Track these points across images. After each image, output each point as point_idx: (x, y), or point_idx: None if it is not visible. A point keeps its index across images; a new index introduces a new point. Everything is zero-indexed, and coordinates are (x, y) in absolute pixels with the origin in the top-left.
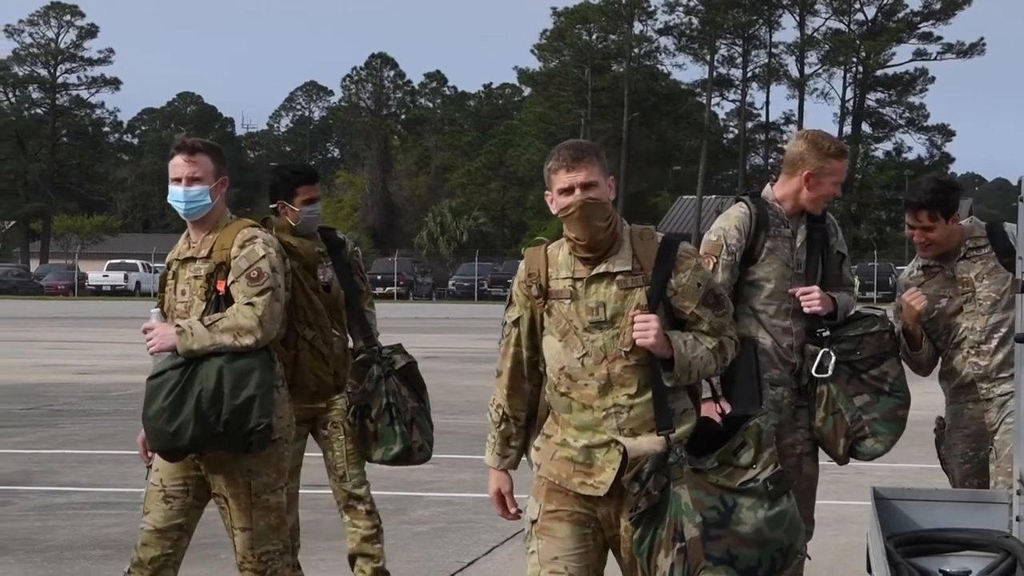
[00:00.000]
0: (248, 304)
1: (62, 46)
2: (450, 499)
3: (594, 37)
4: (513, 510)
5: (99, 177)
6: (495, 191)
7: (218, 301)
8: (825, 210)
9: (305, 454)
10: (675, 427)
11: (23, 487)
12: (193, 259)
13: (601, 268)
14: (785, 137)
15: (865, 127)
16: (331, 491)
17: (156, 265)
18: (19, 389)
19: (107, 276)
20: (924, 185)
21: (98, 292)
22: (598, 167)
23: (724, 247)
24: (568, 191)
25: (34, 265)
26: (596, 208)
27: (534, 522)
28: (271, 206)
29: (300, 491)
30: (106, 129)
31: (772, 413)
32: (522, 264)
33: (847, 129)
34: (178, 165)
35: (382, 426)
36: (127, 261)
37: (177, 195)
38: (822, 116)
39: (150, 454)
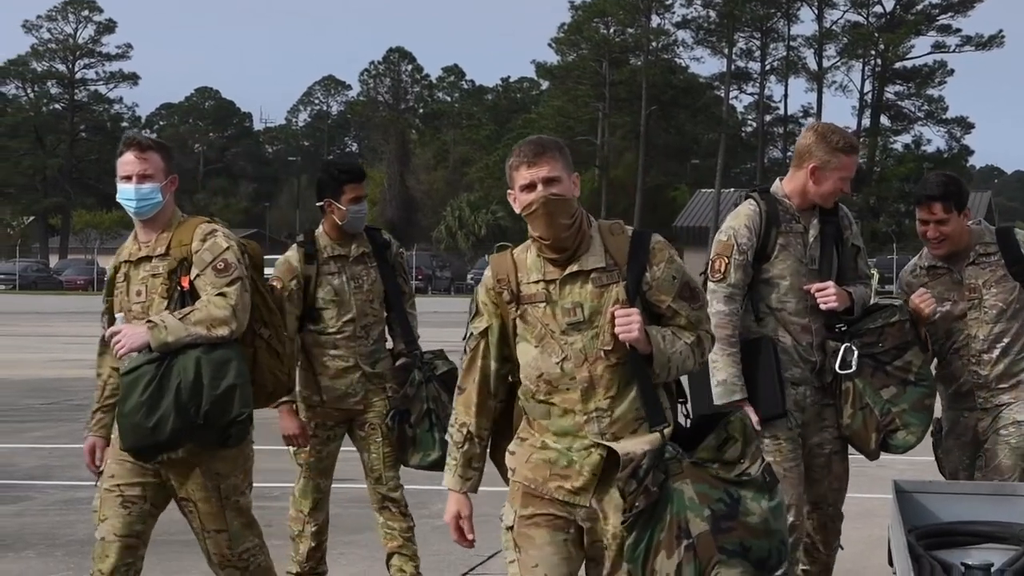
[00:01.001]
0: (220, 295)
1: (80, 41)
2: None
3: (612, 30)
4: (471, 536)
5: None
6: None
7: (183, 297)
8: (838, 203)
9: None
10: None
11: (44, 481)
12: (148, 258)
13: (574, 267)
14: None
15: (884, 120)
16: (366, 489)
17: None
18: (39, 384)
19: None
20: (935, 179)
21: None
22: (561, 162)
23: (735, 247)
24: (530, 187)
25: (53, 260)
26: (559, 204)
27: (510, 529)
28: (317, 204)
29: None
30: (124, 124)
31: (796, 413)
32: (487, 272)
33: (866, 122)
34: (128, 162)
35: (421, 432)
36: None
37: (128, 193)
38: (841, 109)
39: (99, 462)
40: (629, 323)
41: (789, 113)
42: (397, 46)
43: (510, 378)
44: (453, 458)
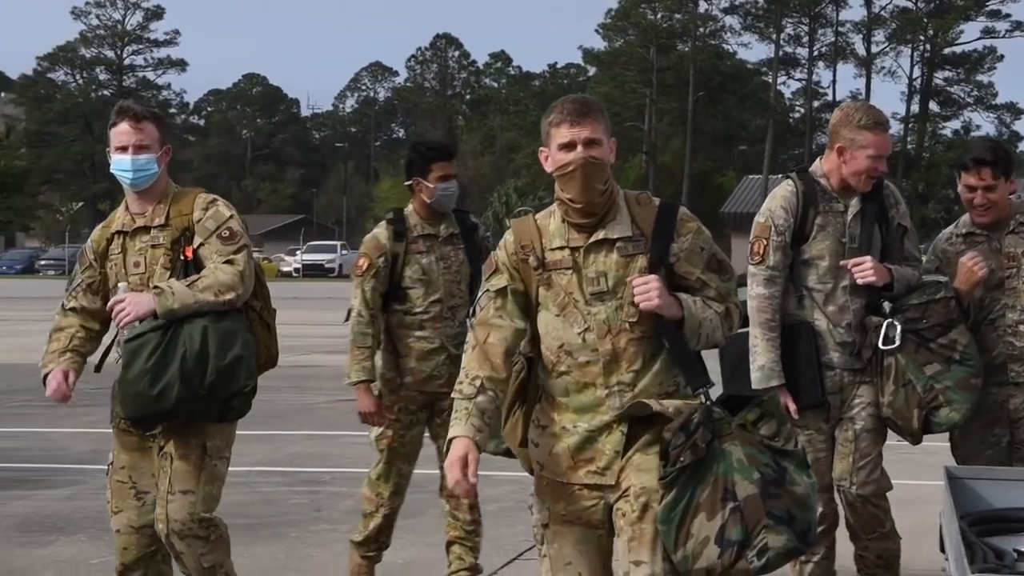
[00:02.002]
0: (227, 262)
1: (128, 28)
2: (518, 478)
3: (659, 16)
4: (474, 480)
5: None
6: None
7: (186, 267)
8: (883, 180)
9: (368, 432)
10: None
11: (95, 466)
12: (146, 229)
13: (599, 235)
14: None
15: (933, 106)
16: (425, 473)
17: None
18: (88, 368)
19: None
20: (983, 143)
21: None
22: (602, 125)
23: (773, 228)
24: (569, 147)
25: None
26: (597, 168)
27: (545, 526)
28: (406, 183)
29: (369, 470)
30: (172, 111)
31: (830, 397)
32: (508, 235)
33: (915, 108)
34: (124, 132)
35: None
36: None
37: (123, 164)
38: (889, 95)
39: (72, 386)
40: (647, 290)
41: (837, 99)
42: (444, 32)
43: (524, 348)
44: (463, 408)
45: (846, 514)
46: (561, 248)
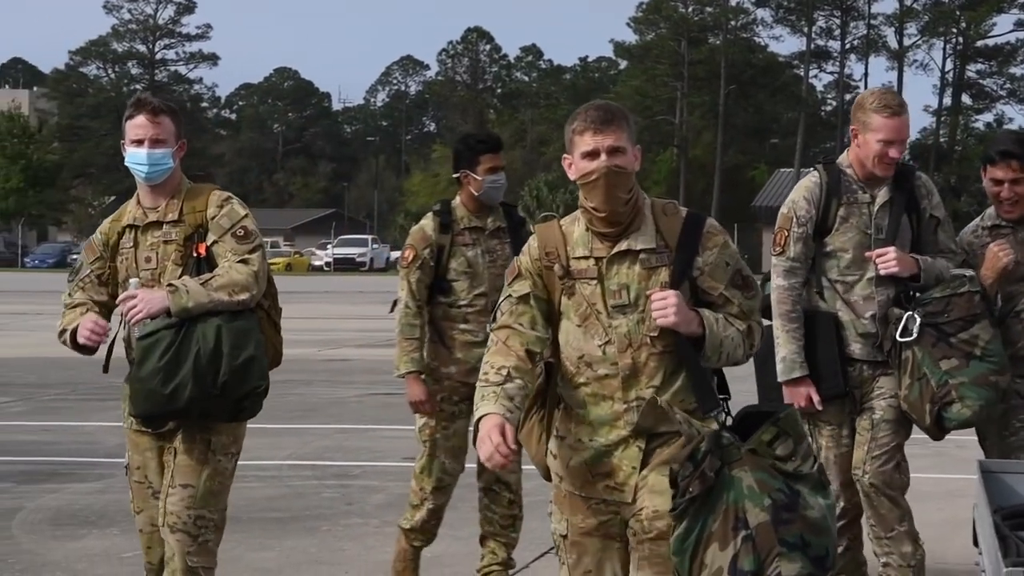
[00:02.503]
0: (242, 261)
1: (160, 22)
2: None
3: (690, 9)
4: (513, 447)
5: (197, 152)
6: None
7: (199, 264)
8: (915, 170)
9: (405, 427)
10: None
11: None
12: (159, 224)
13: (623, 246)
14: None
15: (965, 98)
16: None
17: None
18: (121, 362)
19: None
20: (1009, 135)
21: None
22: (626, 133)
23: (795, 219)
24: (592, 155)
25: None
26: (621, 177)
27: (564, 537)
28: (454, 176)
29: (400, 463)
30: (204, 105)
31: (854, 391)
32: (532, 241)
33: (947, 101)
34: (141, 126)
35: None
36: None
37: (139, 157)
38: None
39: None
40: (665, 306)
41: None
42: (475, 26)
43: (547, 355)
44: (491, 392)
45: (864, 510)
46: (586, 257)
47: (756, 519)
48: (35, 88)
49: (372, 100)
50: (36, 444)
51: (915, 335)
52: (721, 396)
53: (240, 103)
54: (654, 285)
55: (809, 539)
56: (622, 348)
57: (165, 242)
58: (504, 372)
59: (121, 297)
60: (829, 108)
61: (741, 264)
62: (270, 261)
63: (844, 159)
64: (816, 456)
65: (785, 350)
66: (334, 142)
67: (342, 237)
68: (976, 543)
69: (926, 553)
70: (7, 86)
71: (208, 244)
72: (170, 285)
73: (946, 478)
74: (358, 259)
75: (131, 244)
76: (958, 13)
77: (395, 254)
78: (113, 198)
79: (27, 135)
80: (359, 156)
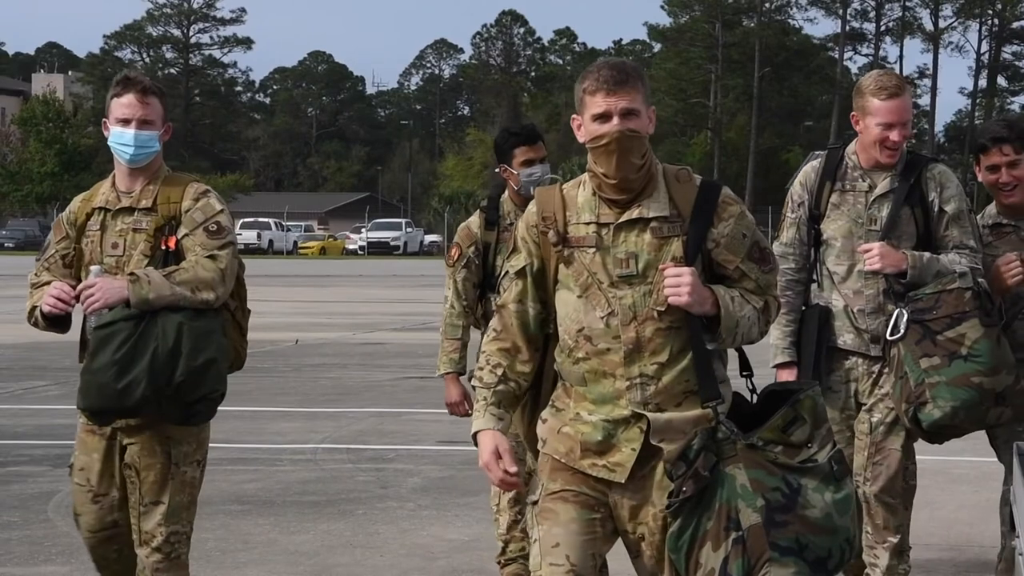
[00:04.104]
0: (209, 257)
1: (195, 6)
2: None
3: None
4: (513, 469)
5: (232, 136)
6: None
7: (166, 257)
8: (928, 161)
9: (439, 410)
10: (723, 397)
11: None
12: (130, 210)
13: (634, 213)
14: (919, 92)
15: (1001, 80)
16: None
17: (289, 224)
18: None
19: (240, 234)
20: (995, 122)
21: None
22: (642, 94)
23: (789, 203)
24: (605, 118)
25: None
26: (634, 141)
27: (536, 503)
28: (495, 170)
29: (434, 447)
30: (238, 88)
31: (849, 384)
32: (531, 206)
33: (982, 83)
34: (129, 105)
35: None
36: (260, 220)
37: (125, 138)
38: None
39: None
40: (679, 283)
41: (905, 74)
42: (509, 9)
43: (548, 327)
44: (483, 398)
45: (864, 512)
46: (588, 224)
47: (748, 520)
48: (70, 72)
49: (406, 84)
50: (71, 428)
51: (901, 332)
52: (744, 373)
53: (274, 87)
54: (666, 256)
55: (807, 541)
56: (626, 321)
57: (135, 230)
58: (499, 372)
59: (81, 286)
60: None
61: (759, 236)
62: (304, 245)
63: (853, 146)
64: (835, 442)
65: (772, 336)
66: (368, 126)
67: (376, 221)
68: (1012, 526)
69: (965, 533)
70: (42, 71)
71: (179, 238)
72: (131, 274)
73: (981, 461)
74: (392, 243)
75: (98, 227)
76: None
77: (429, 238)
78: None
79: (62, 119)
80: (393, 140)
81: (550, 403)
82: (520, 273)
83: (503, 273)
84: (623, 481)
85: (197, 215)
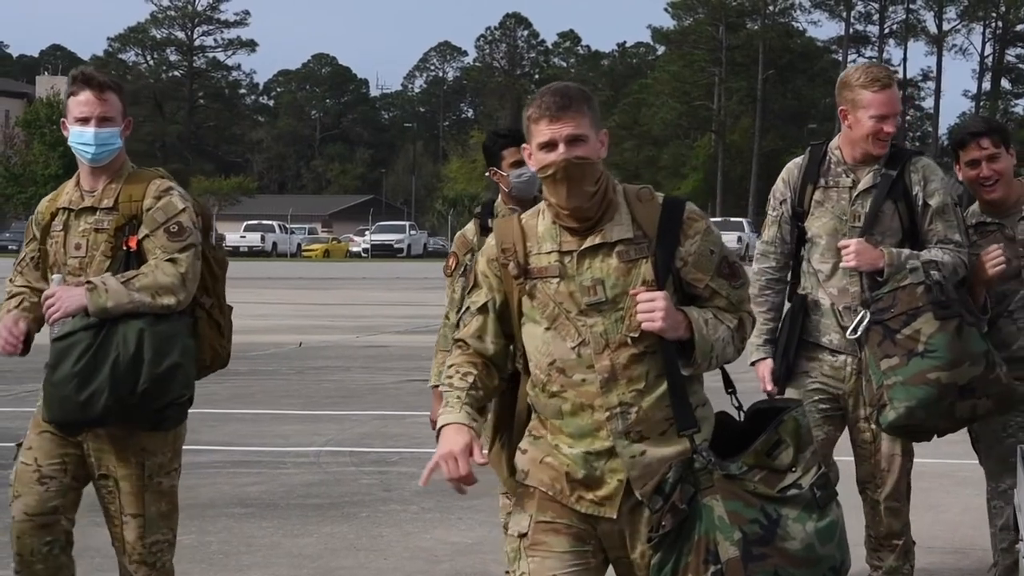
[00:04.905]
0: (170, 260)
1: (199, 8)
2: None
3: None
4: (482, 460)
5: (235, 139)
6: (629, 150)
7: (128, 258)
8: (912, 154)
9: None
10: (700, 426)
11: None
12: (92, 209)
13: (596, 238)
14: (923, 94)
15: (1004, 83)
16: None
17: (292, 226)
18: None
19: (244, 237)
20: (971, 119)
21: (235, 253)
22: (588, 118)
23: (771, 202)
24: (550, 146)
25: None
26: (583, 169)
27: (523, 536)
28: (486, 174)
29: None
30: (242, 91)
31: (835, 383)
32: (490, 239)
33: (986, 85)
34: (87, 103)
35: None
36: (264, 222)
37: (85, 137)
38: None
39: (19, 335)
40: (652, 308)
41: (908, 77)
42: (513, 12)
43: (512, 364)
44: (456, 397)
45: (866, 520)
46: (550, 253)
47: (726, 553)
48: None
49: (410, 86)
50: None
51: (859, 333)
52: (729, 390)
53: (278, 89)
54: (636, 280)
55: (786, 574)
56: (599, 349)
57: (96, 230)
58: (470, 379)
59: (44, 295)
60: None
61: (727, 251)
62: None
63: (836, 141)
64: (820, 465)
65: None
66: (372, 128)
67: (380, 223)
68: (1017, 528)
69: (970, 536)
70: (46, 73)
71: (140, 238)
72: (88, 282)
73: None
74: (396, 245)
75: (62, 228)
76: None
77: (433, 240)
78: None
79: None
80: (397, 142)
81: (527, 432)
82: (482, 309)
83: (464, 308)
84: (614, 516)
85: (158, 215)
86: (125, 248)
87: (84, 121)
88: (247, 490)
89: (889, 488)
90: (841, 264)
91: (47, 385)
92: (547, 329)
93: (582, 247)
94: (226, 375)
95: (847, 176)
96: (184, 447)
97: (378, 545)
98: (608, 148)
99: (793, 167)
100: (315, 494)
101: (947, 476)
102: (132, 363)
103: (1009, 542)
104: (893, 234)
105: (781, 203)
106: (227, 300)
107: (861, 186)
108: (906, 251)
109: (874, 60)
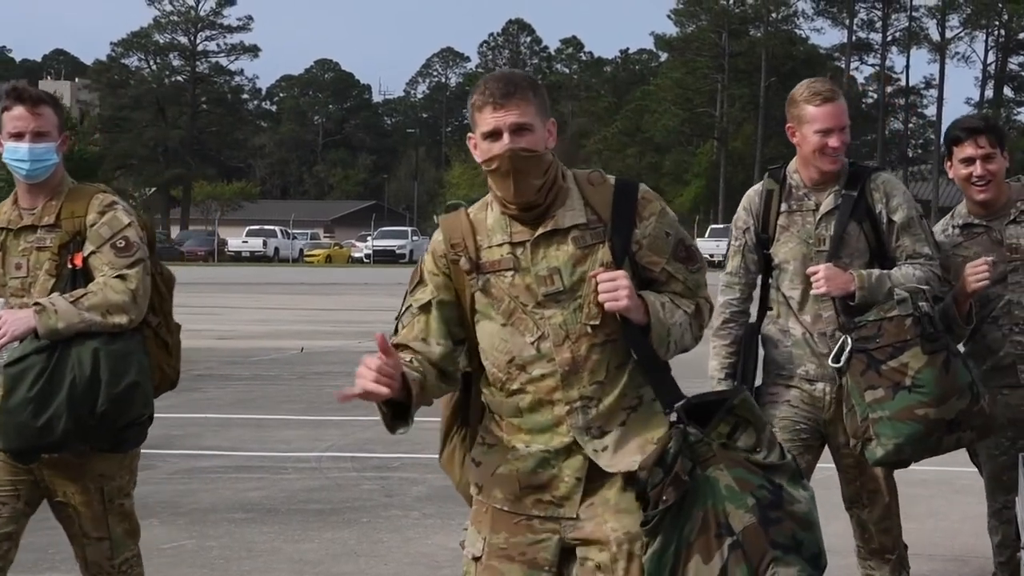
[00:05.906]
0: (119, 277)
1: (202, 14)
2: None
3: (731, 1)
4: (391, 359)
5: (238, 144)
6: (631, 157)
7: (74, 276)
8: (870, 171)
9: (438, 418)
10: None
11: (166, 451)
12: (33, 228)
13: (548, 225)
14: (925, 102)
15: (1007, 91)
16: None
17: (294, 231)
18: None
19: (246, 242)
20: (969, 116)
21: (237, 258)
22: (534, 106)
23: (734, 231)
24: (494, 135)
25: (174, 231)
26: (529, 161)
27: (477, 560)
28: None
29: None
30: (245, 96)
31: (813, 411)
32: (437, 235)
33: (989, 93)
34: (20, 118)
35: None
36: (266, 227)
37: (20, 153)
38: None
39: None
40: (615, 287)
41: (911, 84)
42: (516, 18)
43: (457, 365)
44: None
45: (855, 534)
46: (501, 245)
47: (741, 523)
48: (77, 80)
49: (412, 92)
50: None
51: (842, 362)
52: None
53: (281, 95)
54: (592, 265)
55: (801, 537)
56: (558, 341)
57: (38, 249)
58: (417, 359)
59: None
60: (870, 101)
61: (683, 233)
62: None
63: (792, 165)
64: (782, 444)
65: (710, 365)
66: (374, 134)
67: (382, 229)
68: (1018, 536)
69: (970, 543)
70: (49, 77)
71: (85, 255)
72: (36, 304)
73: None
74: (398, 251)
75: (0, 248)
76: (1000, 5)
77: None
78: (154, 189)
79: (69, 126)
80: (399, 148)
81: (479, 440)
82: (424, 308)
83: (404, 307)
84: (574, 515)
85: (103, 230)
86: (71, 266)
87: (18, 136)
88: (248, 495)
89: (879, 511)
90: (811, 291)
91: (2, 413)
92: (503, 325)
93: (535, 236)
94: (228, 380)
95: (808, 199)
96: (186, 452)
97: (379, 551)
98: (554, 138)
99: (753, 194)
100: (316, 499)
101: (947, 484)
102: (89, 385)
103: (1007, 556)
104: (860, 255)
105: (744, 232)
106: (228, 306)
107: (823, 209)
108: (876, 271)
109: (892, 74)
